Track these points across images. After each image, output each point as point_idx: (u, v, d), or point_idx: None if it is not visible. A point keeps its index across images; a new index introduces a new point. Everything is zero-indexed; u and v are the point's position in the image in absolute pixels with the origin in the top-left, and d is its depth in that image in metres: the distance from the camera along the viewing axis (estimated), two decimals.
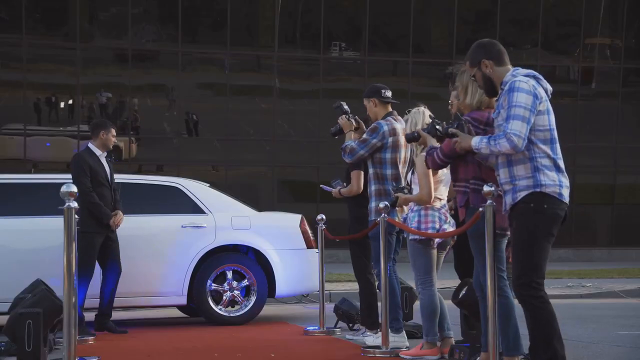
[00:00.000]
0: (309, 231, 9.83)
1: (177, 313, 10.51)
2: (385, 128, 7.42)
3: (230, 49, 22.94)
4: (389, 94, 7.57)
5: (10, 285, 8.11)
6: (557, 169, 5.17)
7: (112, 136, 8.82)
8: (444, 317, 6.78)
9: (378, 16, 23.75)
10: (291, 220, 9.97)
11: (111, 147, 8.91)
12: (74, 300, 5.81)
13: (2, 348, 7.03)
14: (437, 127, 5.73)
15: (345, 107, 7.82)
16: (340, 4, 24.28)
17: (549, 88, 5.26)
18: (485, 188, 5.24)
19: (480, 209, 5.29)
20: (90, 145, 8.78)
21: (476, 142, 5.23)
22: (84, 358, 6.77)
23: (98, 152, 8.74)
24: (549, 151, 5.17)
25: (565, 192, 5.16)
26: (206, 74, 23.77)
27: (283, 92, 23.51)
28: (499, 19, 24.09)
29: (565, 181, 5.18)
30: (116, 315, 10.28)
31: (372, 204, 7.47)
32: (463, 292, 6.37)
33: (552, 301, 5.26)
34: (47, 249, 8.57)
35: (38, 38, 22.18)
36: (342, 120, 7.76)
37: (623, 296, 13.14)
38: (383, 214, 6.91)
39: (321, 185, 8.65)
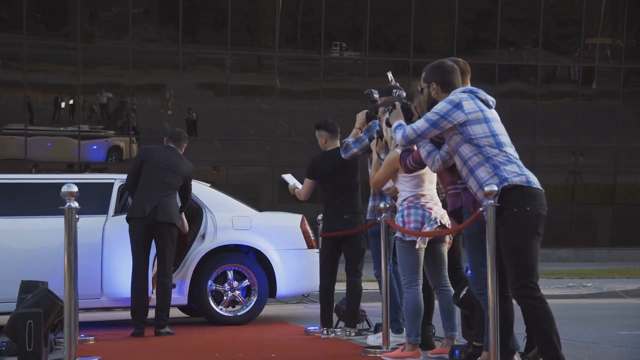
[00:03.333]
0: (310, 231, 9.83)
1: (177, 313, 10.50)
2: (378, 128, 7.40)
3: (231, 49, 22.95)
4: (402, 94, 7.51)
5: (10, 285, 8.11)
6: (515, 163, 5.32)
7: None
8: (450, 316, 6.72)
9: (378, 16, 23.76)
10: (292, 220, 9.97)
11: None
12: (74, 300, 5.81)
13: (3, 348, 7.03)
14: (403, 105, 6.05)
15: (375, 95, 7.64)
16: (340, 4, 24.29)
17: (490, 99, 5.49)
18: (486, 188, 5.24)
19: (481, 209, 5.29)
20: (177, 150, 8.91)
21: (395, 125, 5.73)
22: (84, 358, 6.77)
23: None
24: (499, 151, 5.32)
25: (534, 179, 5.29)
26: (206, 74, 23.79)
27: (283, 92, 23.53)
28: (499, 19, 24.09)
29: (527, 171, 5.32)
30: (117, 315, 10.28)
31: (369, 204, 7.51)
32: (463, 292, 6.37)
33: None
34: (47, 249, 8.56)
35: (39, 38, 22.19)
36: (360, 115, 7.72)
37: (624, 296, 13.14)
38: (383, 214, 6.91)
39: (282, 175, 8.86)
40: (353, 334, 8.08)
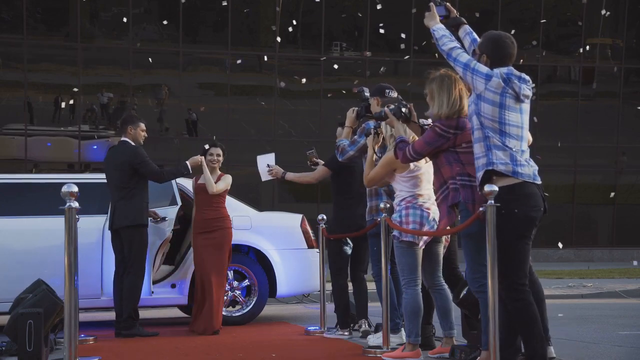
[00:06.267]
0: (310, 231, 9.83)
1: (178, 313, 10.51)
2: (376, 124, 7.38)
3: (231, 49, 22.95)
4: (393, 94, 7.49)
5: (11, 285, 8.12)
6: (509, 152, 5.31)
7: (140, 130, 8.73)
8: (447, 315, 6.71)
9: (378, 16, 23.76)
10: (292, 220, 9.97)
11: (142, 142, 8.77)
12: (74, 300, 5.81)
13: (3, 348, 7.03)
14: (403, 109, 6.18)
15: (366, 93, 7.63)
16: (340, 4, 24.29)
17: (523, 93, 5.39)
18: (486, 188, 5.24)
19: (481, 209, 5.29)
20: (125, 139, 8.69)
21: (438, 28, 5.69)
22: (84, 358, 6.77)
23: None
24: (498, 137, 5.33)
25: (523, 170, 5.29)
26: (207, 74, 23.79)
27: (284, 92, 23.52)
28: (499, 19, 24.10)
29: (521, 164, 5.31)
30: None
31: (368, 204, 7.51)
32: (464, 292, 6.36)
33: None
34: (47, 249, 8.57)
35: (39, 38, 22.20)
36: (350, 113, 7.69)
37: (624, 296, 13.14)
38: (383, 214, 6.90)
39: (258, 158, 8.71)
40: (340, 331, 8.19)
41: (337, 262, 8.27)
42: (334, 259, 8.29)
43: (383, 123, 6.69)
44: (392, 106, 6.36)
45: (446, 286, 6.68)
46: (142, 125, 8.75)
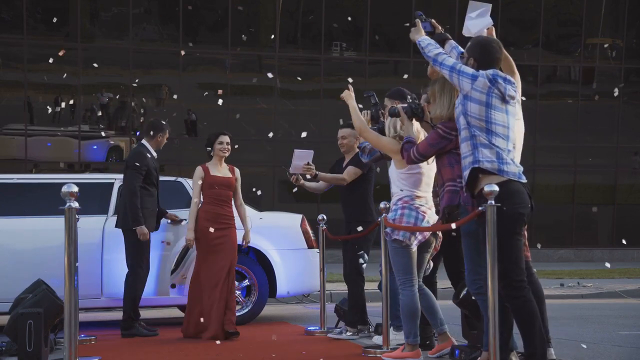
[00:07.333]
0: (310, 231, 9.83)
1: (177, 313, 10.50)
2: (381, 126, 7.39)
3: (231, 49, 22.95)
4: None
5: (11, 285, 8.12)
6: (496, 150, 5.34)
7: (165, 138, 8.86)
8: (434, 313, 6.70)
9: (378, 16, 23.75)
10: (292, 220, 9.97)
11: (161, 147, 8.87)
12: (74, 300, 5.81)
13: (3, 348, 7.03)
14: (413, 108, 6.26)
15: (376, 98, 7.73)
16: (340, 4, 24.28)
17: (508, 94, 5.44)
18: (486, 188, 5.24)
19: (481, 208, 5.29)
20: (145, 143, 8.75)
21: (423, 39, 5.85)
22: (84, 358, 6.77)
23: (153, 151, 8.75)
24: (485, 135, 5.38)
25: (509, 169, 5.33)
26: (207, 74, 23.78)
27: (284, 92, 23.51)
28: (499, 19, 24.10)
29: (507, 163, 5.34)
30: (117, 315, 10.25)
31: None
32: (464, 292, 6.37)
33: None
34: (47, 249, 8.57)
35: (39, 38, 22.18)
36: (366, 116, 7.69)
37: (624, 296, 13.14)
38: (383, 214, 6.90)
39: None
40: (350, 330, 8.19)
41: (352, 262, 8.27)
42: (350, 260, 8.27)
43: (389, 124, 6.69)
44: (404, 104, 6.38)
45: (425, 287, 6.71)
46: (167, 133, 8.91)
